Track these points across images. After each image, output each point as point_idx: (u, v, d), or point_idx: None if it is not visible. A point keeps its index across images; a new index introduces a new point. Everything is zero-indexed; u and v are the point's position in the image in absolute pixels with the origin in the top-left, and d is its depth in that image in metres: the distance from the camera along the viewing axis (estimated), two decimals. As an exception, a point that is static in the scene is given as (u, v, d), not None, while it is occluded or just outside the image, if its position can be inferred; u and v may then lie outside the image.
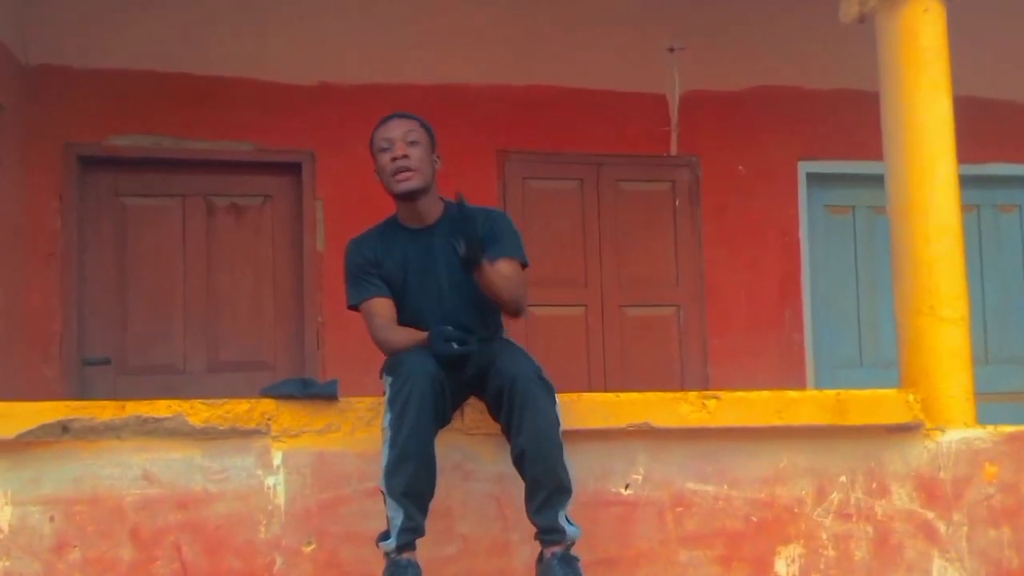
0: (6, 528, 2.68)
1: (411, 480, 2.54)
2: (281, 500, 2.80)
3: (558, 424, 2.64)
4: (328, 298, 4.70)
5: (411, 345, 2.76)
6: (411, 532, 2.55)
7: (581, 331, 4.86)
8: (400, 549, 2.54)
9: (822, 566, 3.07)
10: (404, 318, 2.89)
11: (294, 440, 2.83)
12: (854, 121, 5.14)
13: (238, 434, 2.79)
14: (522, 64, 5.00)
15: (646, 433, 2.99)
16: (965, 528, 3.16)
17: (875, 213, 5.41)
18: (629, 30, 5.05)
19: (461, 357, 2.71)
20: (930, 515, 3.15)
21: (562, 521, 2.62)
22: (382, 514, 2.77)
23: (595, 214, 4.99)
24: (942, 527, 3.15)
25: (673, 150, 5.11)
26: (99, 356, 4.54)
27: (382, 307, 2.88)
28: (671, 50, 5.11)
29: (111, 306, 4.61)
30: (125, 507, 2.72)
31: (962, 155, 3.36)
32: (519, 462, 2.63)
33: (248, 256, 4.76)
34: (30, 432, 2.68)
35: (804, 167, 5.21)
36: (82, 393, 4.38)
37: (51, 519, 2.70)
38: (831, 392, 3.15)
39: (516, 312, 2.87)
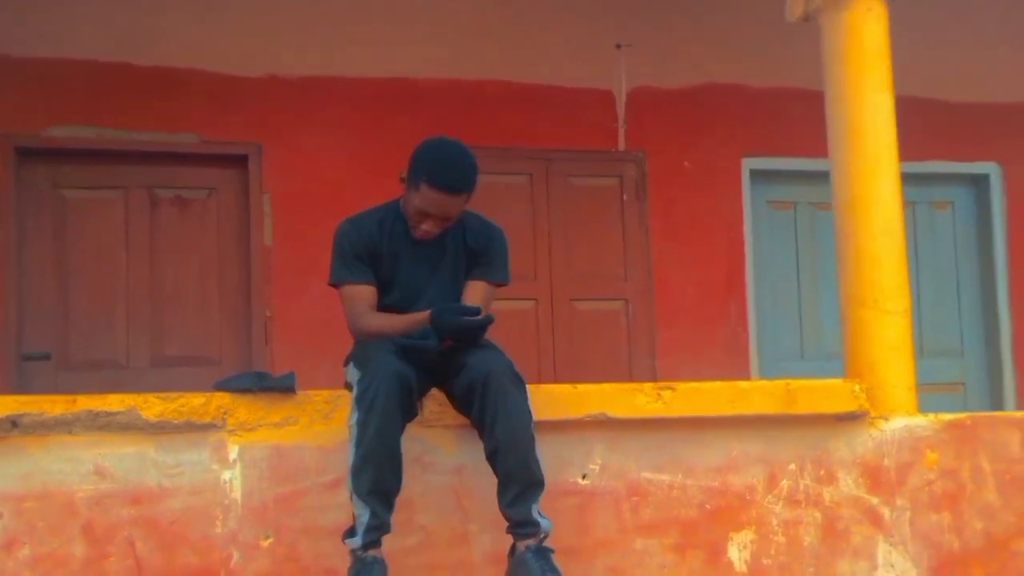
0: (-48, 526, 2.60)
1: (377, 479, 2.54)
2: (238, 494, 2.77)
3: (531, 418, 2.66)
4: (277, 292, 4.65)
5: (387, 330, 2.76)
6: (377, 530, 2.55)
7: (532, 324, 4.88)
8: (366, 547, 2.53)
9: (772, 551, 3.14)
10: (383, 310, 2.89)
11: (250, 434, 2.80)
12: (796, 119, 5.26)
13: (193, 428, 2.75)
14: (471, 59, 5.00)
15: (603, 424, 3.03)
16: (908, 513, 3.25)
17: (816, 209, 5.55)
18: (577, 26, 5.09)
19: (422, 352, 2.71)
20: (875, 501, 3.24)
21: (535, 514, 2.64)
22: (341, 507, 2.77)
23: (544, 209, 5.02)
24: (886, 512, 3.24)
25: (621, 145, 5.16)
26: (39, 351, 4.42)
27: (365, 293, 2.88)
28: (618, 46, 5.17)
29: (51, 300, 4.50)
30: (77, 503, 2.67)
31: (900, 153, 3.46)
32: (493, 456, 2.64)
33: (193, 249, 4.69)
34: (-22, 427, 2.61)
35: (748, 163, 5.30)
36: (21, 389, 4.27)
37: (0, 516, 2.63)
38: (781, 382, 3.22)
39: None
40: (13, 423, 2.64)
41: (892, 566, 3.22)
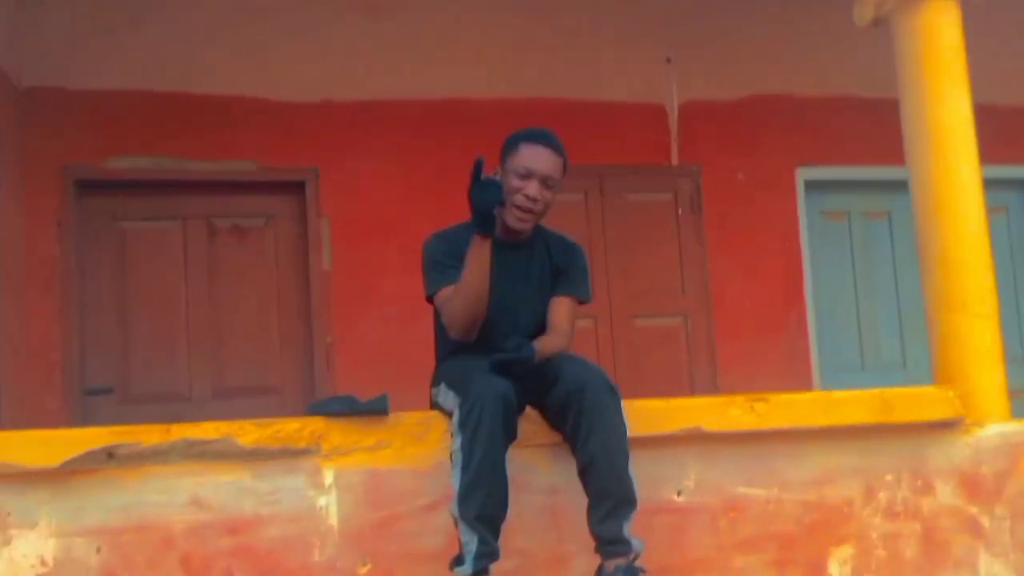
0: (51, 561, 2.56)
1: (485, 504, 2.48)
2: (334, 520, 2.72)
3: (626, 433, 2.61)
4: (337, 318, 4.62)
5: (468, 288, 2.70)
6: (487, 557, 2.48)
7: (592, 343, 4.83)
8: (477, 574, 2.47)
9: (874, 566, 3.06)
10: None
11: (345, 458, 2.75)
12: (846, 128, 5.24)
13: (288, 454, 2.70)
14: (521, 77, 4.99)
15: (696, 438, 2.96)
16: (1008, 522, 3.17)
17: (867, 218, 5.50)
18: (626, 41, 5.08)
19: (520, 365, 2.67)
20: (974, 510, 3.16)
21: (626, 533, 2.57)
22: (438, 531, 2.72)
23: (600, 226, 4.99)
24: (986, 521, 3.16)
25: (674, 160, 5.13)
26: (101, 385, 4.40)
27: None
28: (668, 60, 5.15)
29: (112, 333, 4.48)
30: (174, 534, 2.62)
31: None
32: (586, 471, 2.59)
33: (252, 278, 4.67)
34: (74, 460, 2.57)
35: (802, 173, 5.26)
36: (85, 423, 4.23)
37: (97, 550, 2.58)
38: (875, 391, 3.15)
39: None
40: (109, 454, 2.60)
41: (995, 577, 3.14)
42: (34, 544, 2.56)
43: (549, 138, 2.87)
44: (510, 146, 2.87)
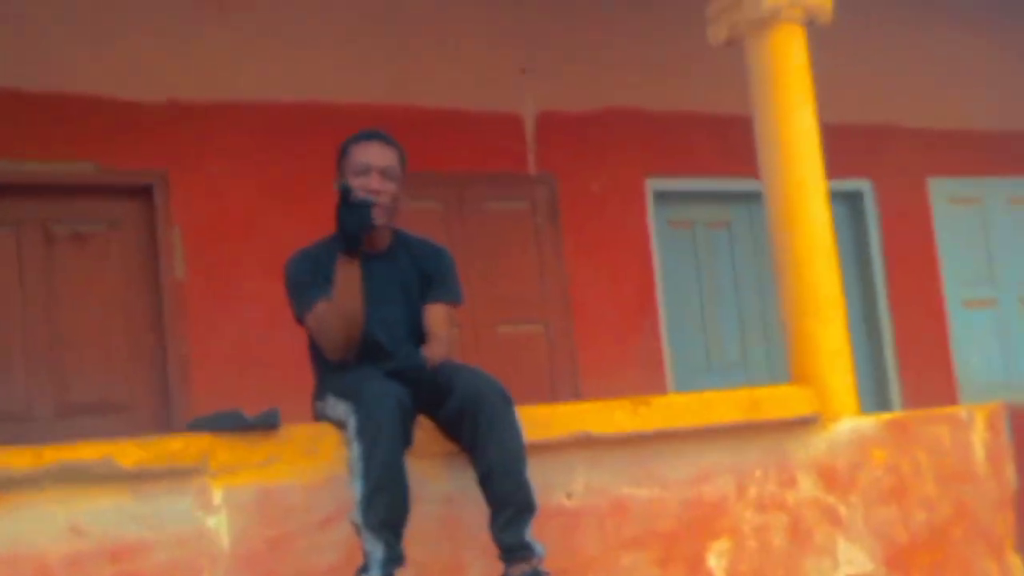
0: (-93, 603, 2.31)
1: (389, 511, 2.46)
2: (225, 542, 2.60)
3: (523, 439, 2.64)
4: (192, 329, 4.40)
5: (338, 307, 2.68)
6: (393, 563, 2.46)
7: (456, 353, 4.81)
8: (383, 581, 2.43)
9: (747, 557, 3.22)
10: None
11: (233, 476, 2.64)
12: (692, 141, 5.50)
13: (173, 475, 2.57)
14: (379, 83, 4.93)
15: (584, 442, 3.04)
16: (861, 510, 3.42)
17: (710, 229, 5.80)
18: (483, 51, 5.14)
19: (414, 373, 2.66)
20: (832, 500, 3.39)
21: (529, 538, 2.60)
22: (334, 546, 2.67)
23: (460, 235, 4.98)
24: (843, 510, 3.39)
25: (531, 169, 5.22)
26: (-74, 406, 4.01)
27: None
28: (523, 71, 5.23)
29: (-62, 348, 4.09)
30: (51, 565, 2.42)
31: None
32: (486, 479, 2.60)
33: (95, 288, 4.36)
34: (-67, 489, 2.34)
35: (651, 184, 5.46)
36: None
37: (-38, 586, 2.36)
38: (744, 391, 3.34)
39: None
40: (-28, 482, 2.38)
41: (851, 562, 3.37)
42: None
43: (378, 134, 2.89)
44: (342, 154, 2.87)
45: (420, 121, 5.01)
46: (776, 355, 5.53)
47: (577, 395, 4.98)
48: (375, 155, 2.80)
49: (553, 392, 4.98)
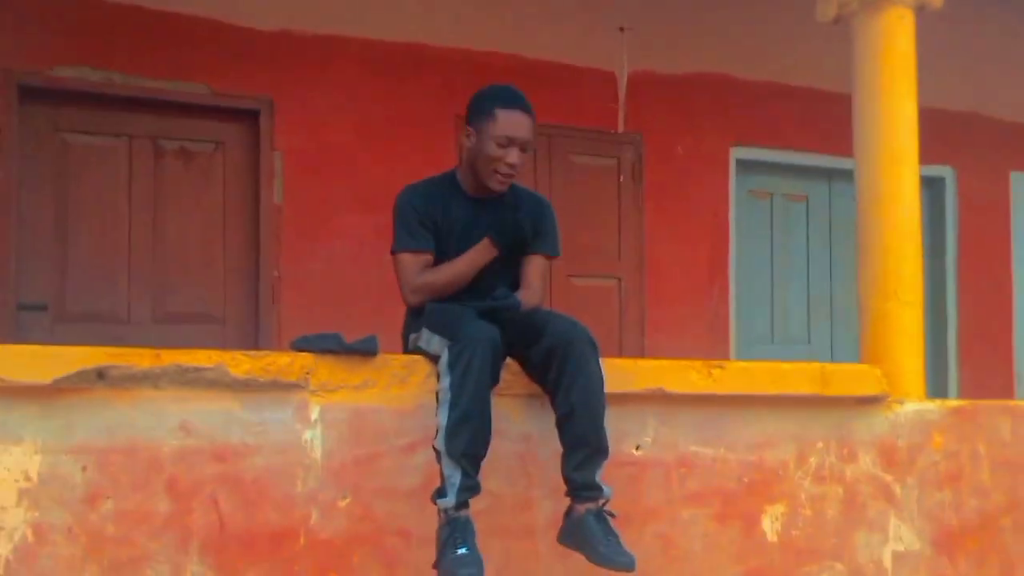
0: (35, 478, 2.54)
1: (471, 442, 2.59)
2: (318, 454, 2.79)
3: (604, 386, 2.77)
4: (286, 253, 4.60)
5: (456, 275, 2.88)
6: (469, 491, 2.60)
7: (547, 302, 4.95)
8: (459, 507, 2.59)
9: (800, 524, 3.34)
10: None
11: (331, 395, 2.81)
12: (777, 113, 5.51)
13: (278, 387, 2.75)
14: (482, 30, 5.02)
15: (657, 398, 3.16)
16: (916, 491, 3.51)
17: (789, 200, 5.82)
18: (584, 6, 5.17)
19: (507, 312, 2.83)
20: (889, 478, 3.48)
21: (599, 480, 2.74)
22: (416, 470, 2.83)
23: (547, 185, 5.10)
24: (898, 489, 3.49)
25: (620, 127, 5.29)
26: (36, 301, 4.26)
27: (425, 261, 2.96)
28: (621, 29, 5.27)
29: (49, 248, 4.34)
30: (161, 458, 2.64)
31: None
32: (566, 419, 2.73)
33: (198, 204, 4.58)
34: (66, 378, 2.55)
35: (735, 152, 5.50)
36: (16, 339, 4.10)
37: (83, 469, 2.58)
38: (817, 365, 3.42)
39: None
40: (100, 375, 2.59)
41: (900, 539, 3.47)
42: (18, 459, 2.53)
43: (522, 101, 2.95)
44: (484, 111, 2.91)
45: (518, 70, 5.09)
46: (839, 334, 5.61)
47: (643, 351, 5.11)
48: (519, 127, 2.89)
49: (620, 346, 5.11)
